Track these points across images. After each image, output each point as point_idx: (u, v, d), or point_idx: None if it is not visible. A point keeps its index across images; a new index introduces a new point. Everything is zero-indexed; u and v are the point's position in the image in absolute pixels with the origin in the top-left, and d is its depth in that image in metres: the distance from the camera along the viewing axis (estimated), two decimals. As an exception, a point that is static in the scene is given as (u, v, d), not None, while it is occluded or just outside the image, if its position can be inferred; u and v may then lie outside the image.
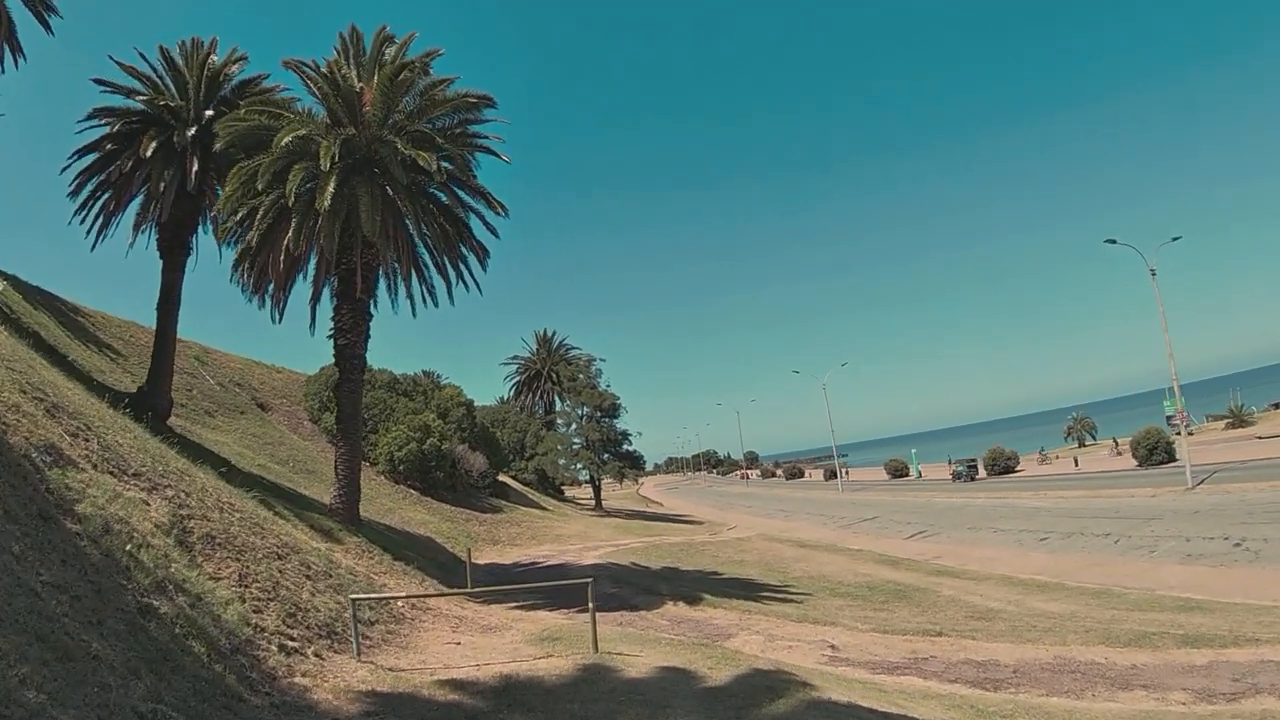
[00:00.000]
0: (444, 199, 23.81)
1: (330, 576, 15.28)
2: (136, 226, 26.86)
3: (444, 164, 22.98)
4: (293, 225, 21.08)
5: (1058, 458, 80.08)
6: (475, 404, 57.05)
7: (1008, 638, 16.15)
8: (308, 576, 14.35)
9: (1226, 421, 72.54)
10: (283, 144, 20.60)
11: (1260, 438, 57.94)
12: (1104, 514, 34.74)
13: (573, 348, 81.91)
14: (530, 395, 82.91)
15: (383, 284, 26.24)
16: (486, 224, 24.93)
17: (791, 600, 22.31)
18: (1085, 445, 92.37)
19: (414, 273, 25.01)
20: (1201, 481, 38.02)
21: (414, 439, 40.15)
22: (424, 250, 24.86)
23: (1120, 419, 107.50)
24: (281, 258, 21.31)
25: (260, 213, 21.38)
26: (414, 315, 26.36)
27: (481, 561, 29.84)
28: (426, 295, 25.77)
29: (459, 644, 13.73)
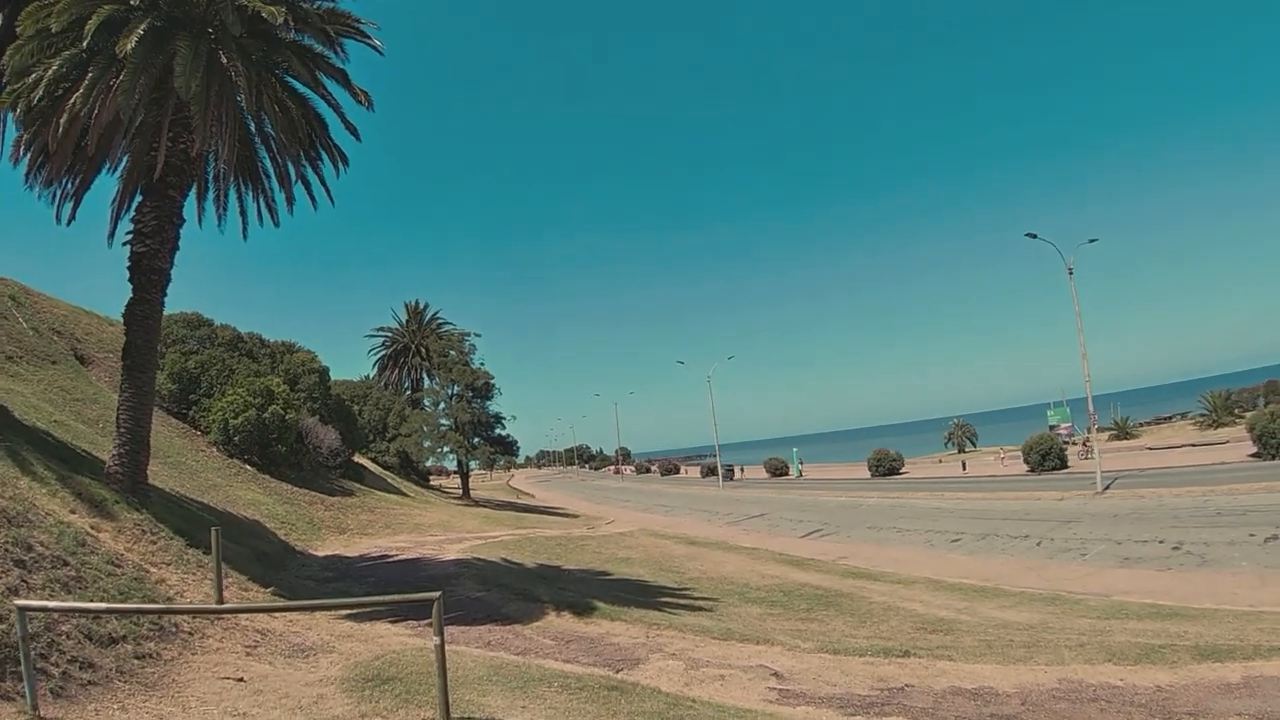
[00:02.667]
0: (290, 76, 18.77)
1: (65, 564, 10.39)
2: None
3: (296, 35, 18.11)
4: (86, 80, 15.70)
5: (942, 462, 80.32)
6: (333, 377, 51.29)
7: (988, 656, 12.54)
8: (18, 563, 9.49)
9: (1110, 434, 73.33)
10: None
11: (1150, 448, 59.52)
12: (1013, 516, 33.55)
13: (445, 322, 76.69)
14: (397, 371, 76.98)
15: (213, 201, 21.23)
16: (346, 122, 20.02)
17: (700, 609, 18.41)
18: (965, 451, 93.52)
19: (246, 172, 19.94)
20: (1108, 486, 37.20)
21: (253, 405, 34.44)
22: (259, 141, 19.84)
23: (999, 430, 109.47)
24: (65, 122, 15.70)
25: (51, 70, 15.84)
26: (244, 236, 21.35)
27: (321, 553, 24.83)
28: (265, 207, 20.77)
29: (241, 681, 9.12)
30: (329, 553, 25.09)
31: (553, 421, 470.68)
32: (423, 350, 73.51)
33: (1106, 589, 19.67)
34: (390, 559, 23.89)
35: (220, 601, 7.75)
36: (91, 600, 10.11)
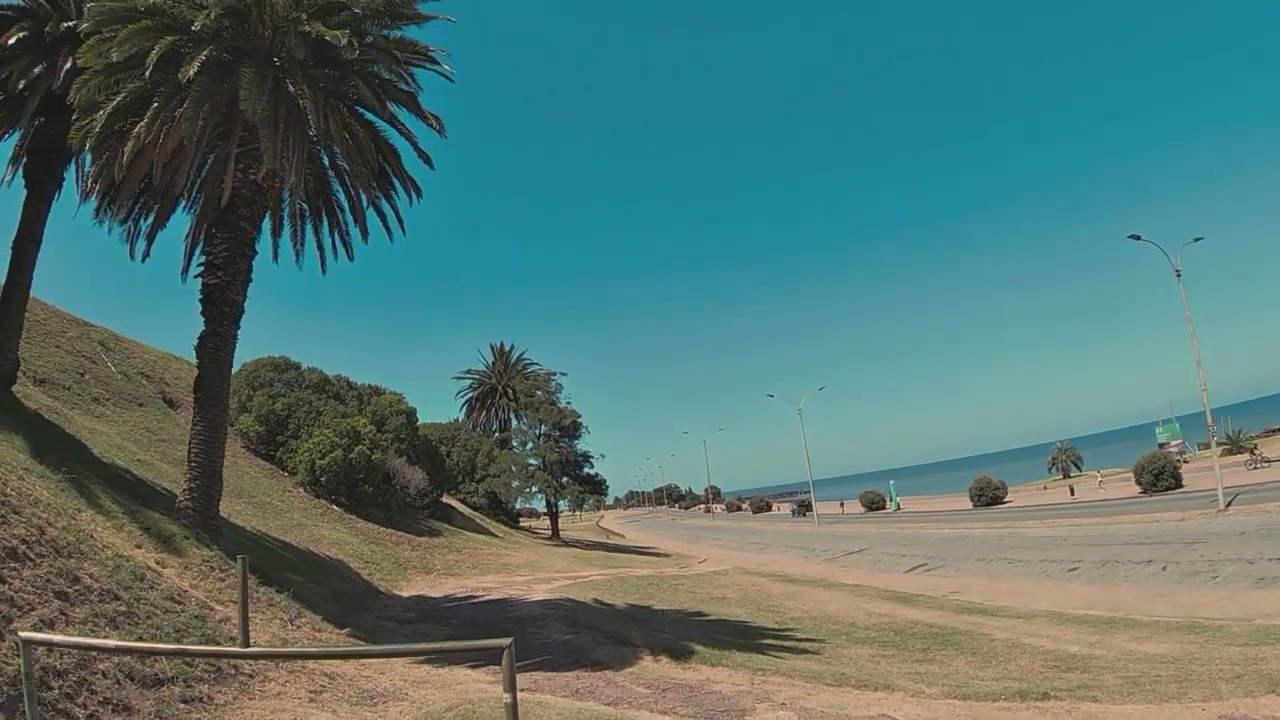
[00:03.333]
0: (359, 106, 18.24)
1: (116, 598, 9.54)
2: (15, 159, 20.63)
3: (367, 64, 17.59)
4: (150, 110, 15.32)
5: (1046, 489, 77.04)
6: (421, 420, 51.02)
7: (1136, 695, 10.92)
8: (59, 594, 8.65)
9: (1223, 448, 69.44)
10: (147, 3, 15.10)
11: (1269, 461, 55.98)
12: (1133, 540, 31.66)
13: (531, 362, 76.20)
14: (484, 413, 76.66)
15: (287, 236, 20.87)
16: (418, 150, 19.39)
17: (804, 651, 16.94)
18: (1070, 477, 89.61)
19: (319, 203, 19.44)
20: (1230, 503, 34.95)
21: (340, 445, 34.08)
22: (331, 174, 19.34)
23: (1104, 453, 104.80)
24: (130, 151, 15.24)
25: (115, 101, 15.52)
26: (323, 269, 21.25)
27: (405, 593, 23.98)
28: (339, 240, 20.28)
29: (297, 735, 8.00)
30: (413, 593, 24.24)
31: (641, 461, 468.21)
32: (509, 391, 73.17)
33: (1246, 613, 18.09)
34: (476, 600, 22.89)
35: (246, 643, 6.51)
36: (140, 638, 9.23)
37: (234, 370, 39.60)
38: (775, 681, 12.43)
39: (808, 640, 18.66)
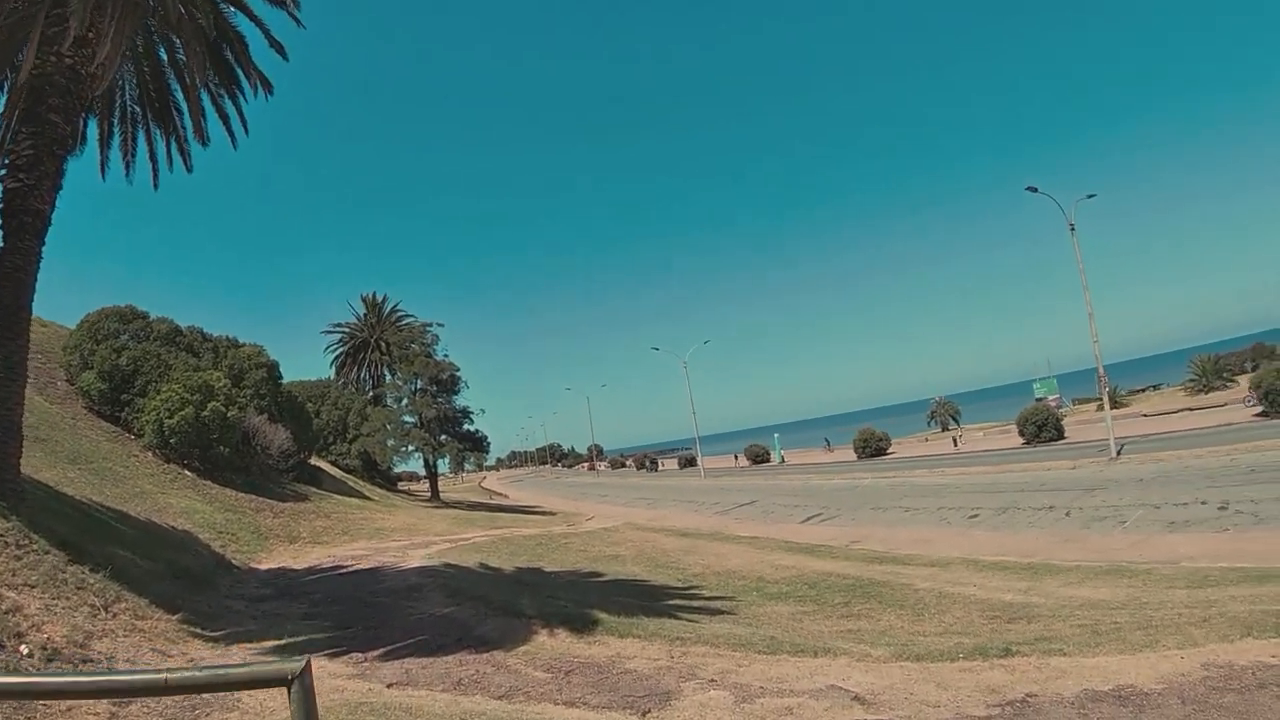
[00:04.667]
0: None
1: None
2: None
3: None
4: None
5: (928, 440, 78.57)
6: (287, 377, 47.44)
7: (1104, 646, 9.45)
8: None
9: (1096, 403, 71.69)
10: None
11: (1145, 415, 58.46)
12: (1027, 487, 31.52)
13: (406, 314, 72.46)
14: (356, 369, 72.71)
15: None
16: (270, 38, 16.67)
17: (719, 612, 15.27)
18: (949, 430, 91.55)
19: (149, 97, 16.58)
20: (1120, 452, 35.41)
21: (190, 402, 30.64)
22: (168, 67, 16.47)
23: (979, 409, 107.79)
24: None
25: None
26: (155, 185, 18.32)
27: (264, 566, 21.28)
28: (175, 149, 17.51)
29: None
30: (274, 565, 21.57)
31: (523, 420, 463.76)
32: (383, 344, 69.39)
33: (1168, 556, 17.96)
34: (343, 570, 20.38)
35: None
36: None
37: (74, 323, 36.00)
38: (698, 653, 10.53)
39: (718, 599, 17.09)
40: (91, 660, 9.02)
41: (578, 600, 14.99)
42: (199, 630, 11.71)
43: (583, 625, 11.76)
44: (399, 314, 72.83)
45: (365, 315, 74.03)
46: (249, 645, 10.99)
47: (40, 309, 15.59)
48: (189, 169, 18.80)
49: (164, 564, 15.62)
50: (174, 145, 18.62)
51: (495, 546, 26.76)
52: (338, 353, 74.03)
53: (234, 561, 20.54)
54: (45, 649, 8.62)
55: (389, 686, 8.66)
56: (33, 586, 10.52)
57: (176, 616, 12.13)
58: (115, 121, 18.35)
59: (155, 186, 18.98)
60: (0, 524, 11.77)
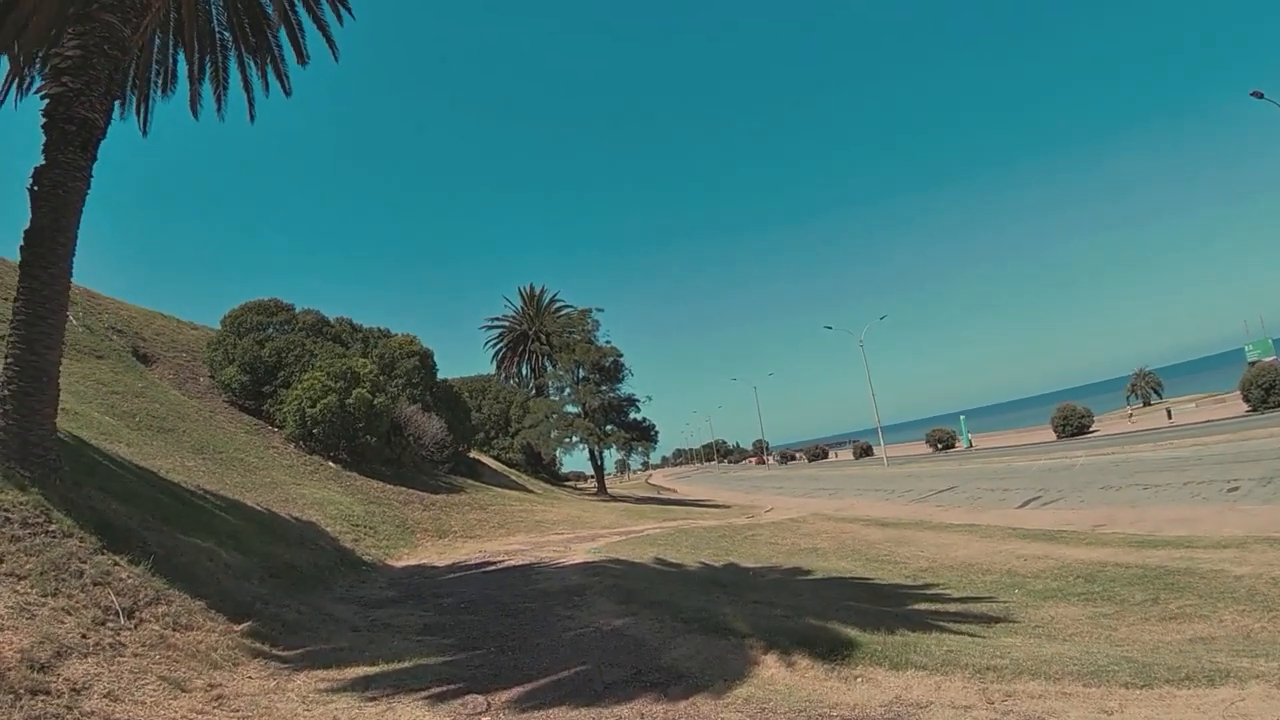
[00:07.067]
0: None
1: None
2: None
3: None
4: None
5: (1133, 415, 70.44)
6: (445, 375, 45.07)
7: None
8: None
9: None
10: None
11: None
12: None
13: (564, 304, 69.57)
14: (516, 362, 70.49)
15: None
16: None
17: (990, 618, 10.98)
18: (1150, 405, 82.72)
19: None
20: None
21: (334, 390, 28.09)
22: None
23: (1175, 383, 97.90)
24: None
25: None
26: (251, 116, 15.49)
27: (401, 563, 18.08)
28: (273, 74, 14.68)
29: None
30: (413, 562, 18.32)
31: (687, 417, 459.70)
32: (542, 336, 66.77)
33: None
34: (491, 567, 16.79)
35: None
36: None
37: (219, 319, 34.31)
38: (1028, 691, 6.38)
39: (976, 600, 12.79)
40: (42, 692, 5.50)
41: (795, 606, 10.79)
42: (265, 647, 8.20)
43: (828, 648, 7.52)
44: (557, 304, 70.31)
45: (523, 308, 71.75)
46: (323, 674, 7.32)
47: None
48: (287, 92, 15.88)
49: (258, 559, 12.32)
50: (270, 69, 15.70)
51: (673, 539, 22.81)
52: (497, 348, 72.09)
53: (365, 558, 17.35)
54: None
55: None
56: (21, 577, 7.28)
57: (242, 627, 8.64)
58: (202, 52, 15.52)
59: (252, 119, 16.05)
60: (12, 496, 8.58)
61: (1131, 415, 70.34)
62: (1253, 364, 60.16)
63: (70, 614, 7.01)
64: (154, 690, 6.17)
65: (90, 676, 6.03)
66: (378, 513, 23.00)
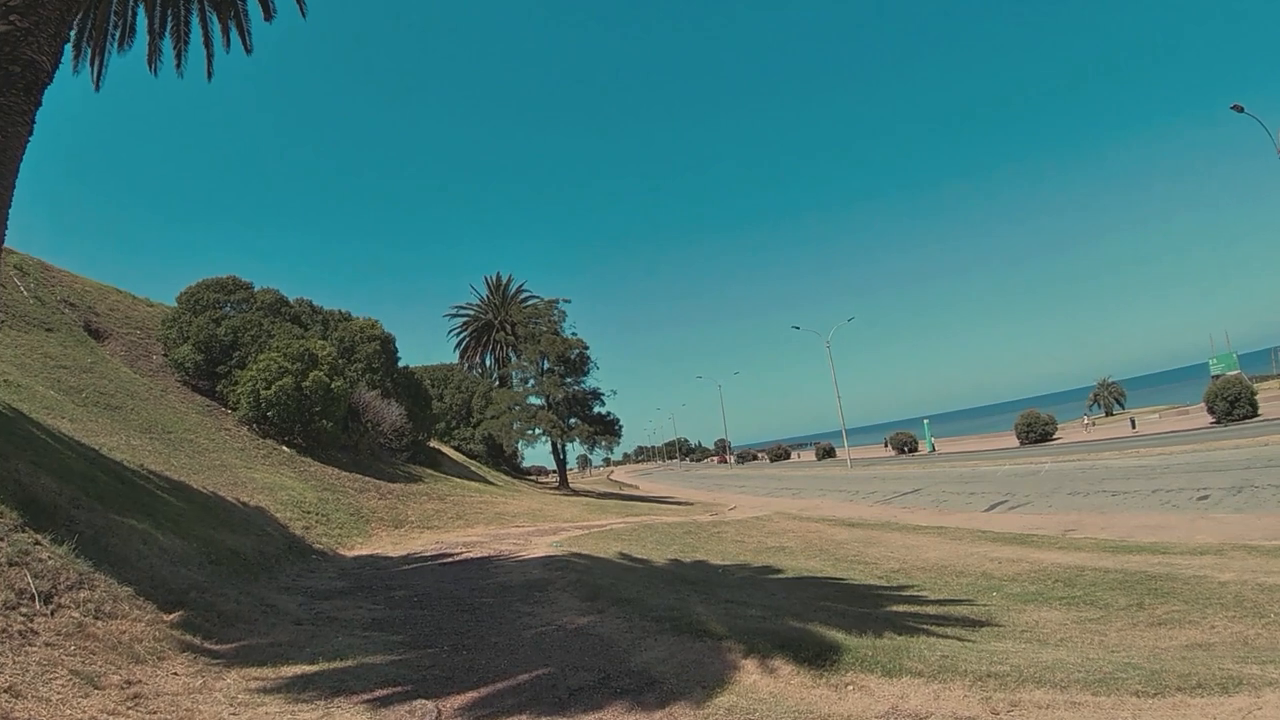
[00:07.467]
0: None
1: None
2: None
3: None
4: None
5: (1094, 424, 70.92)
6: (407, 363, 44.09)
7: None
8: None
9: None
10: None
11: None
12: (1255, 464, 26.13)
13: (531, 295, 68.55)
14: (480, 352, 69.42)
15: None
16: None
17: (974, 621, 10.52)
18: (1113, 415, 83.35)
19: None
20: None
21: (290, 371, 27.15)
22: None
23: (1137, 395, 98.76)
24: None
25: None
26: (209, 75, 14.55)
27: (353, 552, 17.33)
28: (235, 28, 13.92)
29: None
30: (366, 551, 17.58)
31: (650, 415, 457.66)
32: (507, 326, 65.74)
33: None
34: (448, 559, 16.07)
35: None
36: None
37: (174, 296, 33.18)
38: (1033, 701, 5.91)
39: (955, 603, 12.35)
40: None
41: (771, 606, 10.21)
42: (196, 640, 7.47)
43: (813, 652, 6.91)
44: (524, 294, 69.32)
45: (488, 296, 70.66)
46: (257, 672, 6.61)
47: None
48: (248, 49, 15.09)
49: (199, 544, 11.53)
50: (233, 24, 14.90)
51: (637, 534, 22.17)
52: (461, 336, 71.06)
53: (315, 546, 16.60)
54: None
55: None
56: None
57: (173, 617, 7.90)
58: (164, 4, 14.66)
59: (209, 77, 15.21)
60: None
61: (1088, 425, 70.69)
62: (1216, 378, 60.90)
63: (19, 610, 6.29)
64: (63, 686, 5.45)
65: (-15, 669, 5.31)
66: (331, 500, 22.17)
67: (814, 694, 6.10)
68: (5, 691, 5.04)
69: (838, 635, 7.60)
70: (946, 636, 8.71)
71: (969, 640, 8.64)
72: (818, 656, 6.77)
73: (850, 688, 6.19)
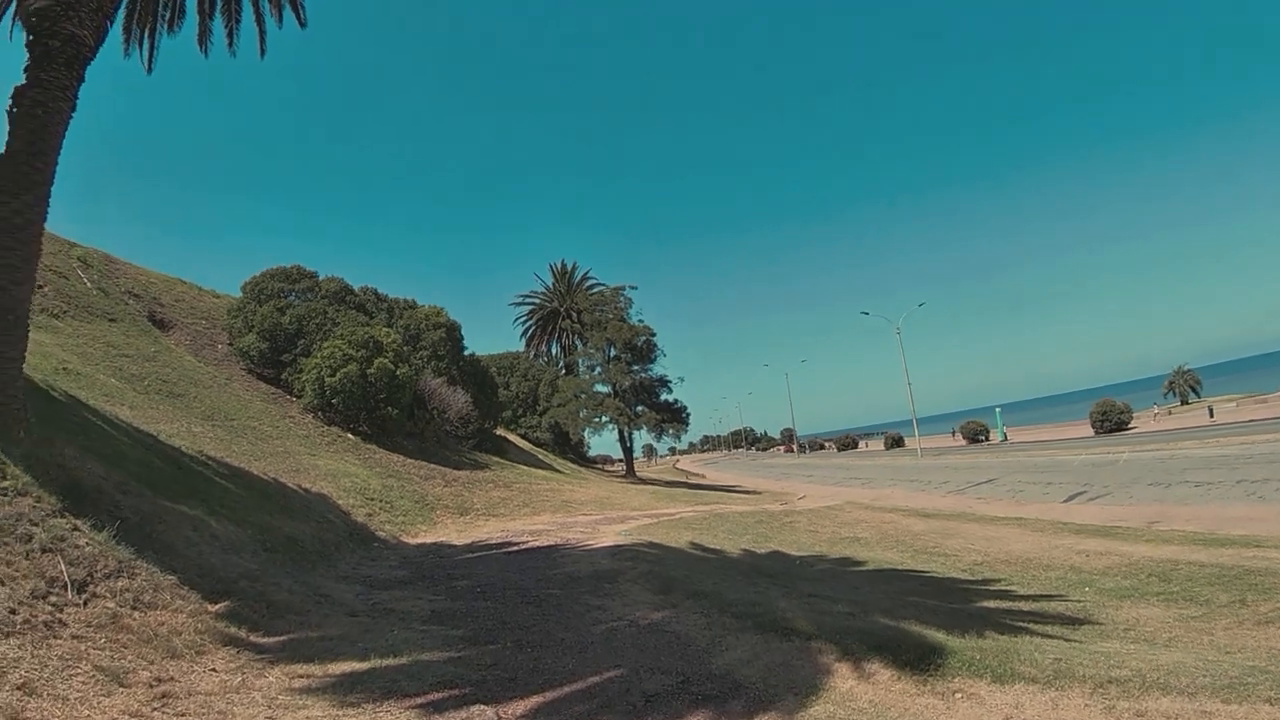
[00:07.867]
0: None
1: None
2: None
3: None
4: None
5: (1170, 413, 68.53)
6: (471, 347, 43.86)
7: None
8: None
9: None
10: None
11: None
12: None
13: (597, 282, 67.97)
14: (546, 341, 69.16)
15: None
16: None
17: (1071, 619, 9.72)
18: (1188, 403, 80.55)
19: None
20: None
21: (355, 359, 26.95)
22: None
23: (1216, 383, 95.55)
24: None
25: None
26: (262, 52, 14.30)
27: (416, 540, 16.93)
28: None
29: None
30: (430, 539, 17.16)
31: (715, 404, 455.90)
32: (573, 314, 65.54)
33: None
34: (513, 547, 15.54)
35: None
36: None
37: (239, 286, 33.30)
38: (1162, 711, 5.18)
39: (1047, 598, 11.52)
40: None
41: (857, 601, 9.48)
42: (241, 632, 7.00)
43: (914, 654, 6.20)
44: (589, 281, 68.86)
45: (554, 284, 70.39)
46: (304, 668, 6.09)
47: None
48: (302, 23, 14.74)
49: (254, 531, 11.13)
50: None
51: (708, 523, 21.45)
52: (526, 325, 70.88)
53: (379, 533, 16.20)
54: None
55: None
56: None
57: (218, 607, 7.43)
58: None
59: (262, 55, 14.94)
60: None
61: (1157, 414, 68.15)
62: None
63: (3, 584, 5.82)
64: (84, 683, 4.95)
65: (7, 662, 4.82)
66: (396, 487, 21.86)
67: (919, 703, 5.40)
68: (19, 688, 4.55)
69: (937, 635, 6.87)
70: (1050, 636, 7.93)
71: (1073, 640, 7.87)
72: (920, 659, 6.07)
73: (959, 695, 5.48)
